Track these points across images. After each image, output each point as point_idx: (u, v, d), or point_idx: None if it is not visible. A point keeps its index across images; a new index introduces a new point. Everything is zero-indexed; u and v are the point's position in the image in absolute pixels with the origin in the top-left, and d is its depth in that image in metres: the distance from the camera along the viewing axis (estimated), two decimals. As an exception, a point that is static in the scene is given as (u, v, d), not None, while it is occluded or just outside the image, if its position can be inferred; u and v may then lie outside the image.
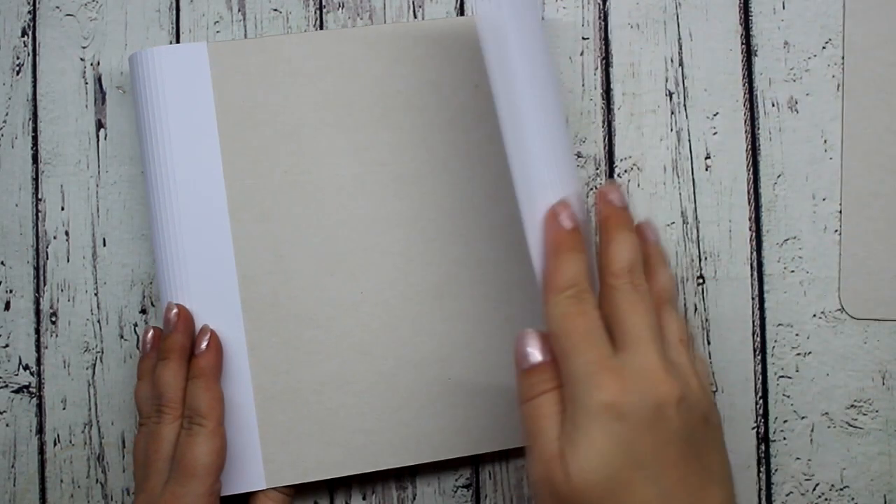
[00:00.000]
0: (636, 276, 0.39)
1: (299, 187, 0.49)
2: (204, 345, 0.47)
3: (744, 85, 0.51)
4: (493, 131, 0.49)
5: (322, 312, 0.49)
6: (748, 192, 0.50)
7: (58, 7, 0.52)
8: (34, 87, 0.52)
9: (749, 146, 0.50)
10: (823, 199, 0.50)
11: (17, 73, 0.52)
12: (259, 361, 0.48)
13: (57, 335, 0.51)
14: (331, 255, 0.49)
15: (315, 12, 0.51)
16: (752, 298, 0.50)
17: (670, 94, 0.51)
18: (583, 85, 0.51)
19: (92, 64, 0.52)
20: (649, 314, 0.38)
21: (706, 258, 0.50)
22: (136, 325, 0.51)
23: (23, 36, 0.52)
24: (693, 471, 0.36)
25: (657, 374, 0.36)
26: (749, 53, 0.51)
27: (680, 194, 0.51)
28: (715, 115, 0.50)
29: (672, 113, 0.51)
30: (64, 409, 0.51)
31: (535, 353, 0.39)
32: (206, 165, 0.49)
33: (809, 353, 0.50)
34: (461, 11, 0.51)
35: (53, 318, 0.51)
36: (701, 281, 0.50)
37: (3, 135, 0.52)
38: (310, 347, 0.49)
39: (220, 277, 0.48)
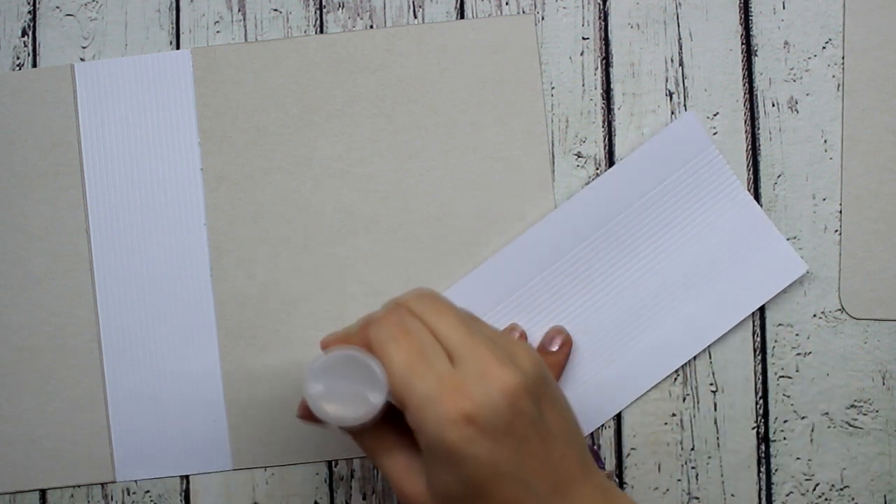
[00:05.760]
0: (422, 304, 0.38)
1: (281, 185, 0.49)
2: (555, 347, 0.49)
3: (744, 85, 0.51)
4: (472, 140, 0.50)
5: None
6: (748, 192, 0.50)
7: (58, 7, 0.52)
8: (34, 87, 0.52)
9: (749, 146, 0.50)
10: (823, 199, 0.50)
11: (17, 73, 0.52)
12: (231, 379, 0.49)
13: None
14: (313, 265, 0.49)
15: (315, 12, 0.51)
16: (752, 298, 0.50)
17: (670, 94, 0.51)
18: (583, 85, 0.51)
19: (92, 64, 0.52)
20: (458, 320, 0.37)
21: (706, 258, 0.50)
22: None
23: (23, 36, 0.52)
24: (546, 444, 0.36)
25: (494, 370, 0.35)
26: (749, 53, 0.51)
27: (680, 194, 0.51)
28: (715, 115, 0.50)
29: (672, 113, 0.51)
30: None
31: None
32: (186, 170, 0.50)
33: (809, 353, 0.50)
34: (461, 11, 0.51)
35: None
36: (701, 281, 0.50)
37: (3, 135, 0.52)
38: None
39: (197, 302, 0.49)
